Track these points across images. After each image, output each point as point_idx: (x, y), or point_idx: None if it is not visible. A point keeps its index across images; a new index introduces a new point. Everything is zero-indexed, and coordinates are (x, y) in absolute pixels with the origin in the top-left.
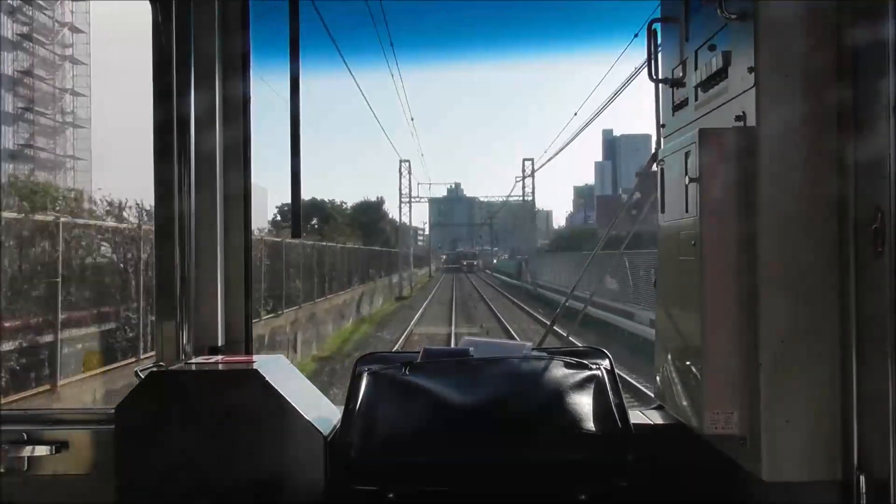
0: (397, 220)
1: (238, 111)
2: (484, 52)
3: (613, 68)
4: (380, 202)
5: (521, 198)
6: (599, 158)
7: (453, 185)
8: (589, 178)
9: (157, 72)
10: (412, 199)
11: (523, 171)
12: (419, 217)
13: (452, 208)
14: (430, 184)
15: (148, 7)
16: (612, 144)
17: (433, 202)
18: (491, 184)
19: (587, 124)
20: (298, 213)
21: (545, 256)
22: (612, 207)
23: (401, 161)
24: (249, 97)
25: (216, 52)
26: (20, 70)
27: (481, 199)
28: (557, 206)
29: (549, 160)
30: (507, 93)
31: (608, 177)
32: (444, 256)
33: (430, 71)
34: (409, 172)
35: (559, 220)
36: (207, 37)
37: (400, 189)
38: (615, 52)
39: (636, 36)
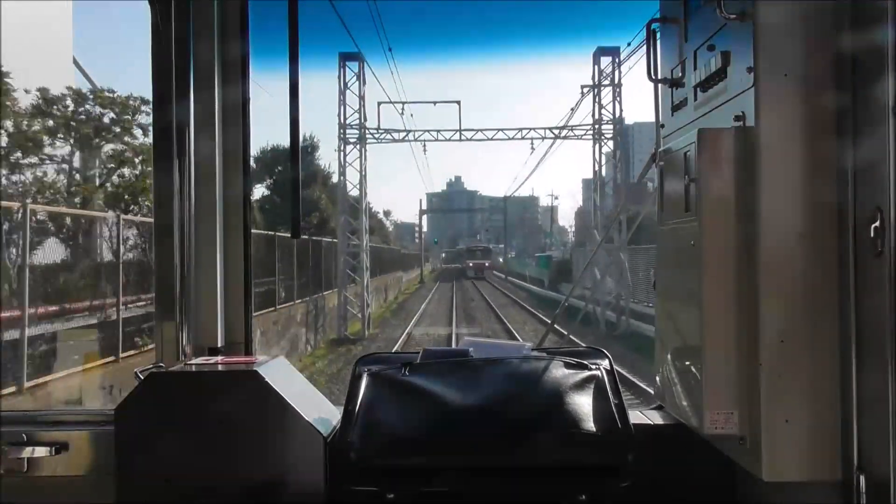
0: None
1: (237, 114)
2: (481, 51)
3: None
4: (310, 145)
5: (589, 131)
6: (610, 148)
7: (453, 179)
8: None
9: (156, 75)
10: (368, 136)
11: (596, 76)
12: (409, 210)
13: (452, 202)
14: (401, 103)
15: None
16: (624, 133)
17: (430, 197)
18: (493, 179)
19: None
20: (298, 216)
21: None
22: (638, 195)
23: (342, 58)
24: (249, 100)
25: (215, 56)
26: None
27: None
28: (561, 200)
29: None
30: (507, 90)
31: (620, 167)
32: (444, 255)
33: (428, 71)
34: (362, 80)
35: (565, 215)
36: (206, 40)
37: (342, 116)
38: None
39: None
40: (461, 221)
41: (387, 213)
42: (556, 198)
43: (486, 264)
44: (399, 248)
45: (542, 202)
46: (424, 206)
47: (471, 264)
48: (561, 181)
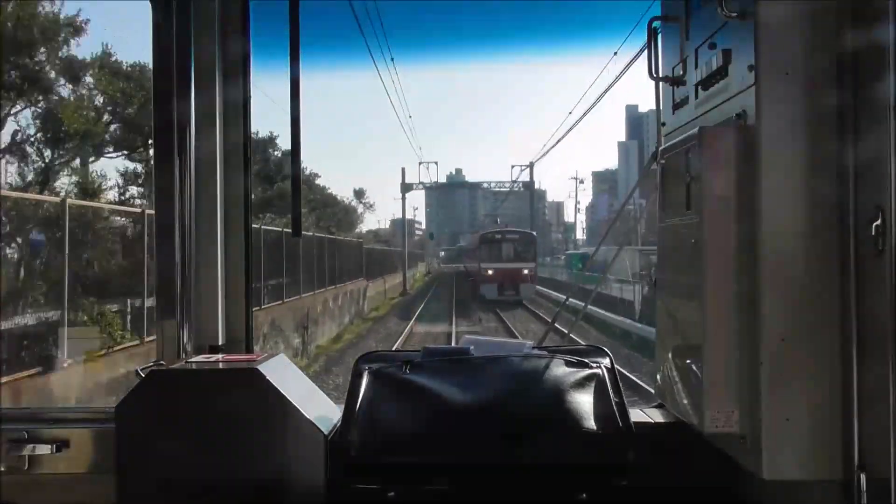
0: None
1: (238, 113)
2: (481, 50)
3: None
4: None
5: None
6: (623, 138)
7: (454, 171)
8: (610, 161)
9: (157, 73)
10: None
11: None
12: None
13: (454, 197)
14: None
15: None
16: (637, 122)
17: (428, 192)
18: (494, 174)
19: (601, 96)
20: (299, 213)
21: None
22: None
23: None
24: (249, 99)
25: (216, 55)
26: None
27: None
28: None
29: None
30: (507, 87)
31: (633, 158)
32: (442, 253)
33: (429, 70)
34: None
35: (569, 213)
36: (207, 39)
37: None
38: (621, 49)
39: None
40: (462, 210)
41: (359, 194)
42: (582, 181)
43: (526, 272)
44: (365, 241)
45: (548, 197)
46: (412, 186)
47: (490, 272)
48: (560, 178)
